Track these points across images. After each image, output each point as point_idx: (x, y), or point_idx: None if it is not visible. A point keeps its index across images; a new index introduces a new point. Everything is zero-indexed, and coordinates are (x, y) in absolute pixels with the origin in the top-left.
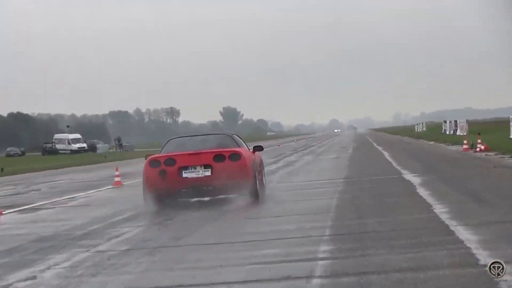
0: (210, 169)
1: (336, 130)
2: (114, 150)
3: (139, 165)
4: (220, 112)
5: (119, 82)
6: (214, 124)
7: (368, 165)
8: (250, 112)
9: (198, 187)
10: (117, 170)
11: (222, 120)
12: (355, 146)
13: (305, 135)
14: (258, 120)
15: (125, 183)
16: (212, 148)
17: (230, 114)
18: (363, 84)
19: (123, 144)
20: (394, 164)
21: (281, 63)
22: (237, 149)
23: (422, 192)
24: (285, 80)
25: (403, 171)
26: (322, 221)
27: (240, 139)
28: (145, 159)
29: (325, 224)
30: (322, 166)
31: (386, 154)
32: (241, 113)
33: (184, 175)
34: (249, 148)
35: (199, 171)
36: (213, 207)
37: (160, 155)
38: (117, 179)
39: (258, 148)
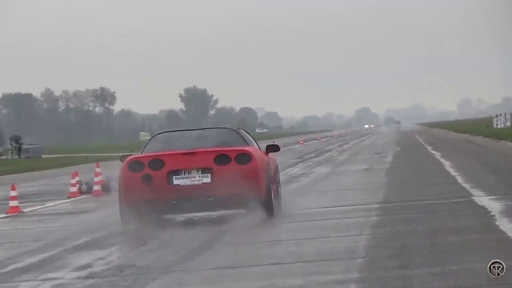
0: (210, 174)
1: (367, 126)
2: (10, 156)
3: (50, 180)
4: (180, 96)
5: (19, 52)
6: (170, 115)
7: (417, 181)
8: (228, 98)
9: (194, 198)
10: (13, 188)
11: (184, 109)
12: (397, 151)
13: (317, 133)
14: (241, 109)
15: (26, 210)
16: (212, 146)
17: (196, 98)
18: (410, 56)
19: (24, 146)
20: (459, 180)
21: (277, 27)
22: (246, 148)
23: (505, 225)
24: (284, 53)
25: (474, 192)
26: (344, 272)
27: (249, 135)
28: (121, 161)
29: (348, 277)
30: (344, 184)
31: (446, 164)
32: (214, 98)
33: (176, 181)
34: (260, 147)
35: (195, 176)
36: (180, 239)
37: (143, 155)
38: (13, 203)
39: (273, 148)
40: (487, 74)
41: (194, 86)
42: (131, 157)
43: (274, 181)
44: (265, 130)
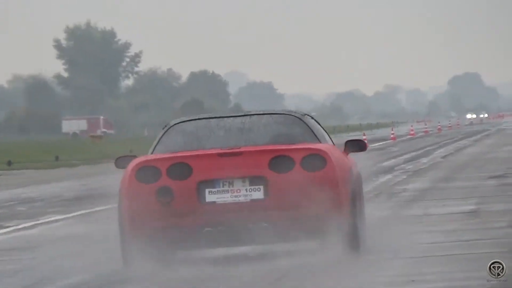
0: (262, 187)
1: (473, 116)
2: None
3: None
4: (55, 45)
5: None
6: (34, 88)
7: None
8: (163, 53)
9: (239, 223)
10: None
11: (66, 74)
12: None
13: (363, 132)
14: (193, 75)
15: None
16: (265, 142)
17: (92, 50)
18: None
19: None
20: None
21: None
22: (318, 145)
23: None
24: None
25: None
26: None
27: (319, 126)
28: (117, 166)
29: None
30: (422, 245)
31: None
32: (131, 51)
33: (210, 198)
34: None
35: (239, 190)
36: None
37: (156, 156)
38: None
39: (356, 146)
40: None
41: (88, 24)
42: (140, 159)
43: (358, 197)
44: None
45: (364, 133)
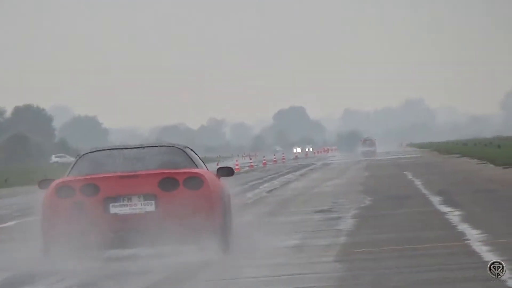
0: (154, 202)
1: (298, 150)
2: None
3: None
4: None
5: None
6: None
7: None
8: None
9: (135, 230)
10: None
11: None
12: (365, 208)
13: None
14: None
15: None
16: (156, 167)
17: None
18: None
19: None
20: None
21: None
22: (196, 170)
23: None
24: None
25: None
26: None
27: (197, 156)
28: (40, 186)
29: None
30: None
31: (475, 239)
32: None
33: (113, 210)
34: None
35: (136, 204)
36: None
37: (72, 178)
38: None
39: (226, 172)
40: None
41: None
42: (59, 181)
43: (228, 211)
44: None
45: None
